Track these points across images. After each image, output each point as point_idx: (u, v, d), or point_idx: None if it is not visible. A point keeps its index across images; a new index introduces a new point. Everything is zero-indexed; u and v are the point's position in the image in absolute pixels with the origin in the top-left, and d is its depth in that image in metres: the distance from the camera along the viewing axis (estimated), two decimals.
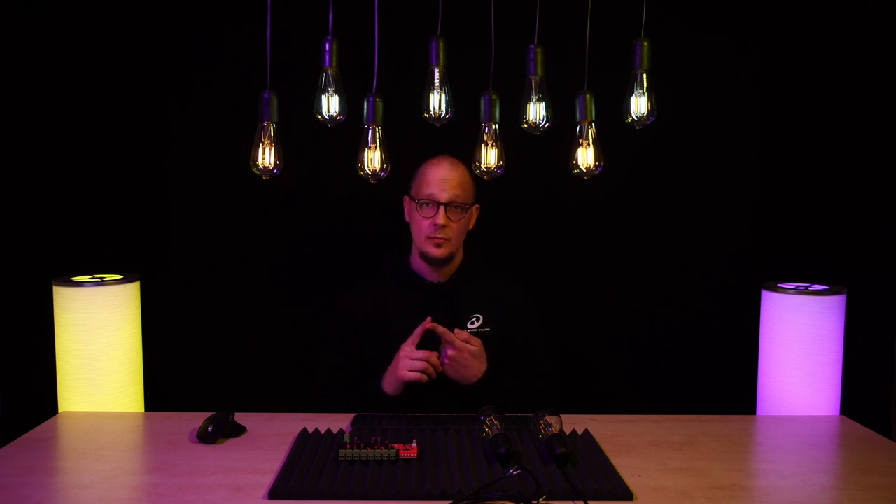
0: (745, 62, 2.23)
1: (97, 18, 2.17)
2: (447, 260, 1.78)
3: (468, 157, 1.58)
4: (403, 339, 1.70)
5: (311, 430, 1.49)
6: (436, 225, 1.72)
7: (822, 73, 2.22)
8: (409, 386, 1.69)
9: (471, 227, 1.83)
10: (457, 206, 1.74)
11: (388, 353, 1.70)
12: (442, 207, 1.73)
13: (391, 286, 1.83)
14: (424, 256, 1.77)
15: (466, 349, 1.66)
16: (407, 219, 1.83)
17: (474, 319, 1.79)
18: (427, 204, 1.74)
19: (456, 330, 1.67)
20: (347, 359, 1.80)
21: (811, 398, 1.78)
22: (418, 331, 1.67)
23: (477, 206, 1.83)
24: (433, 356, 1.66)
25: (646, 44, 1.47)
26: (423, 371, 1.64)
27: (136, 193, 2.23)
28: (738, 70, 2.23)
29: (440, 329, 1.66)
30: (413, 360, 1.65)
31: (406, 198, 1.83)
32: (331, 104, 1.49)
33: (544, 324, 1.88)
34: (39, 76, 2.18)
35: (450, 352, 1.65)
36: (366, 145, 1.52)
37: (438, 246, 1.74)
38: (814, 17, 2.20)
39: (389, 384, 1.68)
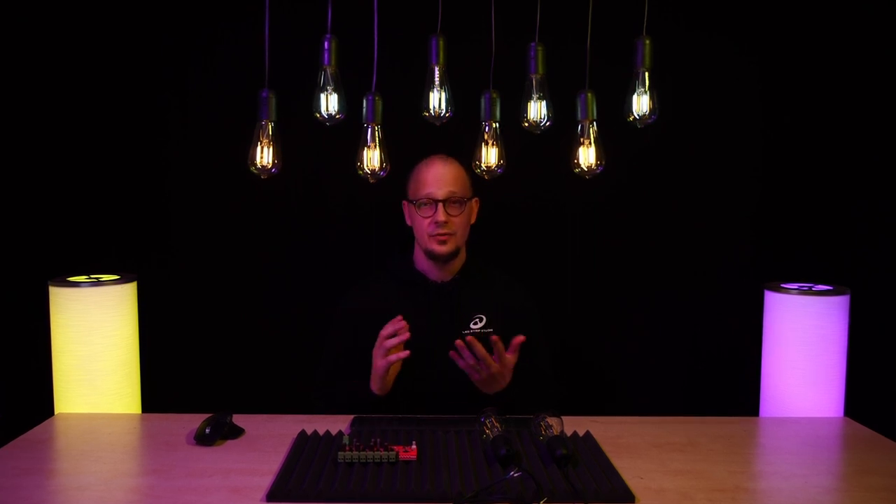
0: (748, 61, 2.22)
1: (94, 17, 2.16)
2: (453, 255, 1.78)
3: (468, 156, 1.57)
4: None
5: (309, 431, 1.48)
6: (437, 222, 1.72)
7: (825, 73, 2.21)
8: (409, 386, 1.69)
9: (472, 221, 1.83)
10: (455, 200, 1.74)
11: None
12: (440, 204, 1.73)
13: (393, 285, 1.82)
14: (430, 254, 1.77)
15: (509, 365, 1.64)
16: (408, 222, 1.83)
17: (477, 320, 1.78)
18: (425, 203, 1.74)
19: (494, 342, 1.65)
20: (346, 358, 1.79)
21: (814, 399, 1.77)
22: (392, 324, 1.64)
23: (476, 199, 1.83)
24: (403, 328, 1.63)
25: (647, 42, 1.46)
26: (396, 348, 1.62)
27: (134, 193, 2.22)
28: (740, 69, 2.22)
29: (481, 352, 1.61)
30: (384, 344, 1.62)
31: (405, 202, 1.83)
32: (329, 103, 1.48)
33: (544, 324, 1.88)
34: (35, 75, 2.17)
35: (493, 369, 1.62)
36: (365, 144, 1.51)
37: (443, 243, 1.74)
38: (815, 16, 2.19)
39: (375, 382, 1.67)
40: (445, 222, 1.73)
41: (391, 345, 1.62)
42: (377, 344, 1.64)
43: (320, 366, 1.84)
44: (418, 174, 1.79)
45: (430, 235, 1.74)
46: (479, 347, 1.61)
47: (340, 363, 1.80)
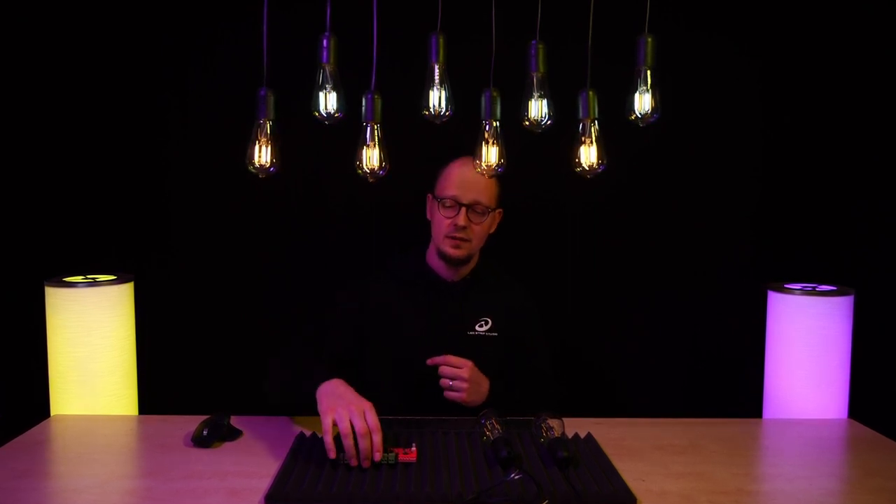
0: (748, 61, 2.21)
1: (95, 17, 2.15)
2: (464, 261, 1.77)
3: (469, 154, 1.57)
4: (408, 335, 1.68)
5: (308, 433, 1.47)
6: (456, 225, 1.71)
7: (825, 73, 2.20)
8: (408, 387, 1.68)
9: (492, 230, 1.81)
10: (479, 211, 1.72)
11: (392, 346, 1.72)
12: (463, 209, 1.71)
13: (393, 285, 1.81)
14: (442, 255, 1.76)
15: (472, 366, 1.62)
16: (428, 216, 1.81)
17: (483, 323, 1.77)
18: (449, 205, 1.72)
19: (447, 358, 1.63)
20: (345, 339, 1.76)
21: (818, 401, 1.76)
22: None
23: (500, 210, 1.81)
24: (362, 439, 1.33)
25: (650, 40, 1.45)
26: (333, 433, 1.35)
27: (133, 193, 2.21)
28: (740, 69, 2.21)
29: (440, 359, 1.62)
30: (344, 421, 1.34)
31: (429, 195, 1.81)
32: (328, 101, 1.47)
33: (544, 324, 1.87)
34: (34, 75, 2.16)
35: (466, 374, 1.60)
36: (364, 143, 1.50)
37: (457, 247, 1.73)
38: (815, 17, 2.18)
39: (321, 395, 1.44)
40: (465, 227, 1.71)
41: (338, 431, 1.34)
42: (352, 409, 1.36)
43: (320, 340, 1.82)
44: (450, 172, 1.76)
45: (447, 236, 1.73)
46: (452, 359, 1.61)
47: (339, 338, 1.77)
